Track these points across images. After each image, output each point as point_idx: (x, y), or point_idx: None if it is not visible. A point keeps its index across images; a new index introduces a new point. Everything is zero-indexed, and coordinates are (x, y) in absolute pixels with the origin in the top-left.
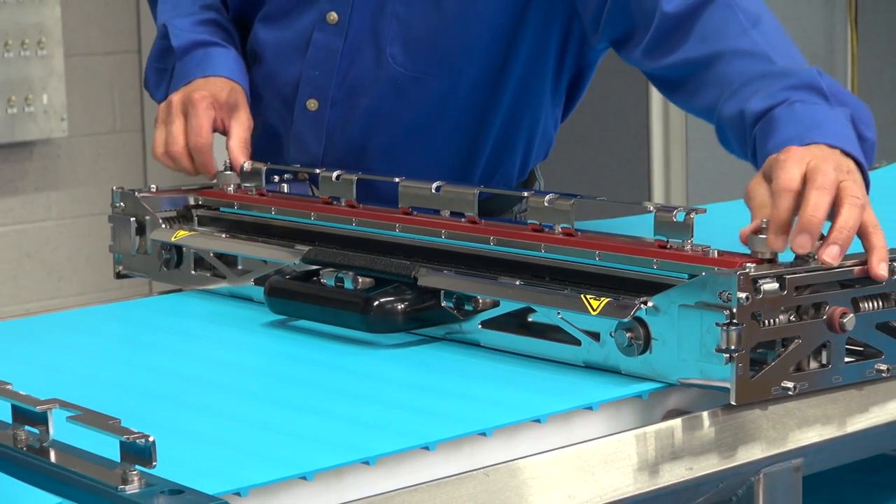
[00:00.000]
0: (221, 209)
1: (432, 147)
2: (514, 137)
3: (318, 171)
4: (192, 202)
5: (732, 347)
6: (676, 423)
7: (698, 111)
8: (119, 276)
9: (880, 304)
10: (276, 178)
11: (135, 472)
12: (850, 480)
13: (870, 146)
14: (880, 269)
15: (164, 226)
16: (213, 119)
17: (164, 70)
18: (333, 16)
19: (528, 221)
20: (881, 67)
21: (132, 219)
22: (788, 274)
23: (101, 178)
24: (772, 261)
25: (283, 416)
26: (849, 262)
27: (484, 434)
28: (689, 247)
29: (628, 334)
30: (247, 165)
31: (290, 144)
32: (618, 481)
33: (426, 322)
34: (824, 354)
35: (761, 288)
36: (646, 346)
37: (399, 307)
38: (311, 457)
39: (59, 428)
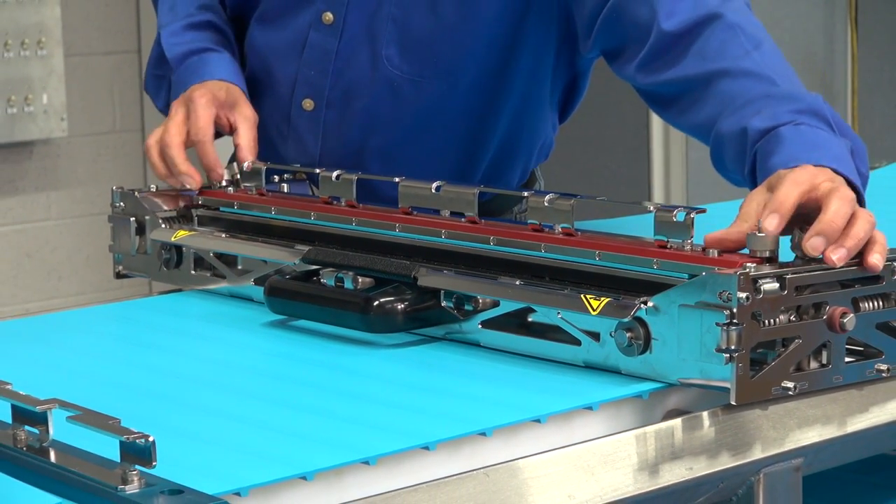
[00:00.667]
0: (221, 209)
1: (430, 151)
2: (516, 145)
3: (317, 170)
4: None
5: (732, 347)
6: (676, 423)
7: (690, 127)
8: (119, 276)
9: (880, 304)
10: (276, 178)
11: (135, 472)
12: (850, 480)
13: (864, 181)
14: (873, 258)
15: (163, 226)
16: (213, 115)
17: (162, 77)
18: (329, 16)
19: (528, 221)
20: (881, 67)
21: (132, 219)
22: (788, 274)
23: (101, 178)
24: (772, 261)
25: (283, 416)
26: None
27: (484, 434)
28: (689, 247)
29: (628, 334)
30: (246, 165)
31: (288, 144)
32: (618, 481)
33: (426, 322)
34: (824, 354)
35: (761, 288)
36: (646, 346)
37: (399, 307)
38: (311, 457)
39: (59, 428)
